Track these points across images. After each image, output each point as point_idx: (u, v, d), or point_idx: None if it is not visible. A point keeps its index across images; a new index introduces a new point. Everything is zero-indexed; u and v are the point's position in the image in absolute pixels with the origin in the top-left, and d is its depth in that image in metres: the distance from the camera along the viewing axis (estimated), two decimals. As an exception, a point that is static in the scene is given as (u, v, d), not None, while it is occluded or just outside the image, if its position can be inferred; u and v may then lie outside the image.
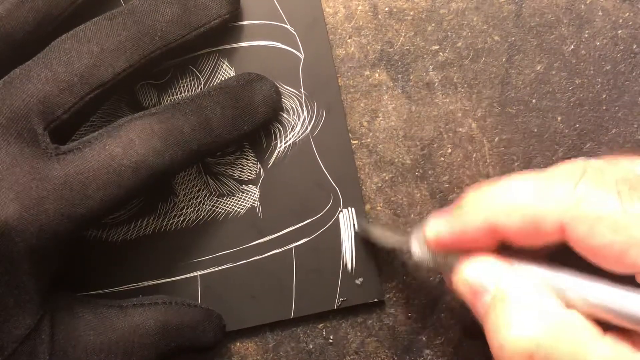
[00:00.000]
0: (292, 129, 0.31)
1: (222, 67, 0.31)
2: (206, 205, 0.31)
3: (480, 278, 0.24)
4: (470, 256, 0.25)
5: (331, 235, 0.31)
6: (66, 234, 0.25)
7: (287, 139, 0.31)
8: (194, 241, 0.31)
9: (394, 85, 0.31)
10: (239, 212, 0.31)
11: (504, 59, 0.31)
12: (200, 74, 0.31)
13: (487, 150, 0.31)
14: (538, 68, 0.31)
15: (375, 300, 0.31)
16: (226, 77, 0.31)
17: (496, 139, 0.31)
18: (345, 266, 0.31)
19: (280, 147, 0.31)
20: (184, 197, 0.31)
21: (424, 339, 0.31)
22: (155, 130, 0.26)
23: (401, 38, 0.32)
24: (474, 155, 0.31)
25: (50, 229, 0.25)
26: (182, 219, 0.31)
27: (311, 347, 0.31)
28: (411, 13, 0.32)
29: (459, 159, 0.31)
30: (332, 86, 0.31)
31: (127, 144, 0.26)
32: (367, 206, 0.31)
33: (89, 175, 0.25)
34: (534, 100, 0.31)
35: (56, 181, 0.25)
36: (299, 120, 0.31)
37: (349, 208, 0.31)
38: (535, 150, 0.31)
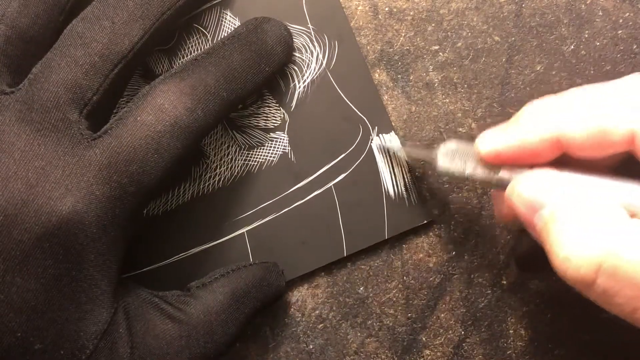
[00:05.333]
0: (307, 67, 0.31)
1: (226, 18, 0.31)
2: (238, 160, 0.31)
3: (538, 191, 0.23)
4: (524, 169, 0.24)
5: (368, 165, 0.31)
6: (123, 215, 0.25)
7: (305, 78, 0.31)
8: (233, 198, 0.31)
9: (393, 86, 0.31)
10: (272, 160, 0.31)
11: (504, 59, 0.31)
12: (206, 30, 0.31)
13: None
14: (538, 68, 0.31)
15: (425, 222, 0.30)
16: (232, 28, 0.30)
17: (496, 139, 0.31)
18: (387, 194, 0.31)
19: (299, 87, 0.31)
20: (214, 156, 0.31)
21: (424, 339, 0.31)
22: (180, 88, 0.26)
23: (401, 38, 0.32)
24: (474, 156, 0.31)
25: (106, 215, 0.25)
26: (217, 179, 0.31)
27: (311, 347, 0.31)
28: (411, 13, 0.32)
29: (459, 159, 0.31)
30: (338, 15, 0.31)
31: (157, 109, 0.26)
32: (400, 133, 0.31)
33: (130, 151, 0.25)
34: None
35: (100, 165, 0.25)
36: (312, 56, 0.31)
37: (380, 135, 0.31)
38: (535, 151, 0.31)
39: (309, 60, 0.31)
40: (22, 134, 0.25)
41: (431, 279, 0.31)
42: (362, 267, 0.31)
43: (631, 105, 0.22)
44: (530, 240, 0.26)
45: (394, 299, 0.31)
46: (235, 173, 0.31)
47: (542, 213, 0.23)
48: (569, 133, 0.23)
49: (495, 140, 0.25)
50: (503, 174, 0.25)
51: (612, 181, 0.23)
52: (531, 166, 0.25)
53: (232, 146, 0.31)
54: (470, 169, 0.26)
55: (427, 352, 0.31)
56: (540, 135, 0.24)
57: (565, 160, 0.24)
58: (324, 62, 0.31)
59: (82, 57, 0.25)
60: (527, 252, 0.27)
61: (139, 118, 0.25)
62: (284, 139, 0.31)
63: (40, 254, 0.24)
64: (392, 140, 0.30)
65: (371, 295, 0.31)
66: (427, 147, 0.29)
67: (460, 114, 0.31)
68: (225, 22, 0.31)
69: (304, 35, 0.31)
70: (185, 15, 0.30)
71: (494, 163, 0.25)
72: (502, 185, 0.25)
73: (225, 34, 0.30)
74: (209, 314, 0.27)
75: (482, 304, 0.31)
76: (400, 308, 0.31)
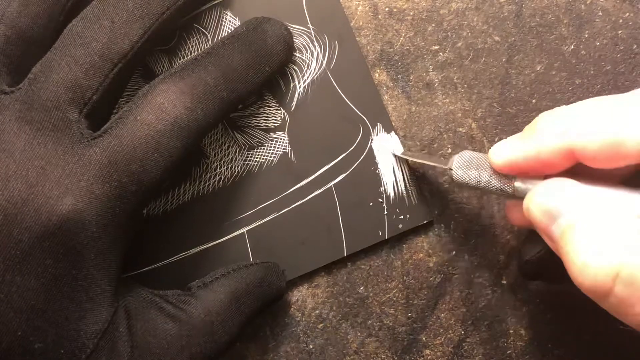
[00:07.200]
0: (307, 67, 0.31)
1: (226, 18, 0.31)
2: (238, 160, 0.31)
3: (555, 201, 0.23)
4: (538, 179, 0.25)
5: (368, 165, 0.31)
6: (123, 215, 0.25)
7: (305, 78, 0.31)
8: (233, 199, 0.31)
9: (393, 86, 0.31)
10: (272, 161, 0.31)
11: (504, 59, 0.31)
12: (206, 30, 0.31)
13: (487, 151, 0.31)
14: (538, 68, 0.31)
15: (425, 222, 0.30)
16: (232, 28, 0.31)
17: (496, 139, 0.31)
18: (387, 194, 0.31)
19: (299, 87, 0.31)
20: (214, 156, 0.31)
21: (424, 338, 0.31)
22: (180, 87, 0.26)
23: (401, 38, 0.32)
24: (474, 156, 0.31)
25: (106, 214, 0.25)
26: (217, 179, 0.31)
27: (311, 347, 0.31)
28: (411, 13, 0.32)
29: (459, 159, 0.31)
30: (339, 16, 0.31)
31: (157, 108, 0.26)
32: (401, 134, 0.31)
33: (130, 151, 0.25)
34: (533, 101, 0.31)
35: (100, 165, 0.25)
36: (312, 57, 0.31)
37: (380, 134, 0.31)
38: (535, 151, 0.31)
39: (309, 60, 0.31)
40: (22, 134, 0.25)
41: (431, 278, 0.31)
42: (362, 267, 0.31)
43: None
44: (536, 247, 0.26)
45: (394, 298, 0.31)
46: (236, 173, 0.31)
47: (559, 222, 0.23)
48: (583, 144, 0.23)
49: (509, 150, 0.25)
50: (518, 184, 0.25)
51: (628, 192, 0.23)
52: (545, 176, 0.25)
53: (232, 146, 0.31)
54: (485, 179, 0.26)
55: (427, 351, 0.31)
56: (553, 146, 0.24)
57: (578, 170, 0.24)
58: (324, 62, 0.31)
59: (82, 57, 0.25)
60: (533, 260, 0.27)
61: (139, 117, 0.25)
62: (284, 139, 0.31)
63: (40, 253, 0.24)
64: (395, 144, 0.31)
65: (371, 295, 0.31)
66: (434, 155, 0.29)
67: (460, 114, 0.31)
68: (225, 22, 0.31)
69: (304, 35, 0.31)
70: (186, 15, 0.30)
71: (508, 173, 0.25)
72: (517, 195, 0.25)
73: (226, 34, 0.30)
74: (209, 314, 0.27)
75: (482, 304, 0.31)
76: (400, 308, 0.31)
